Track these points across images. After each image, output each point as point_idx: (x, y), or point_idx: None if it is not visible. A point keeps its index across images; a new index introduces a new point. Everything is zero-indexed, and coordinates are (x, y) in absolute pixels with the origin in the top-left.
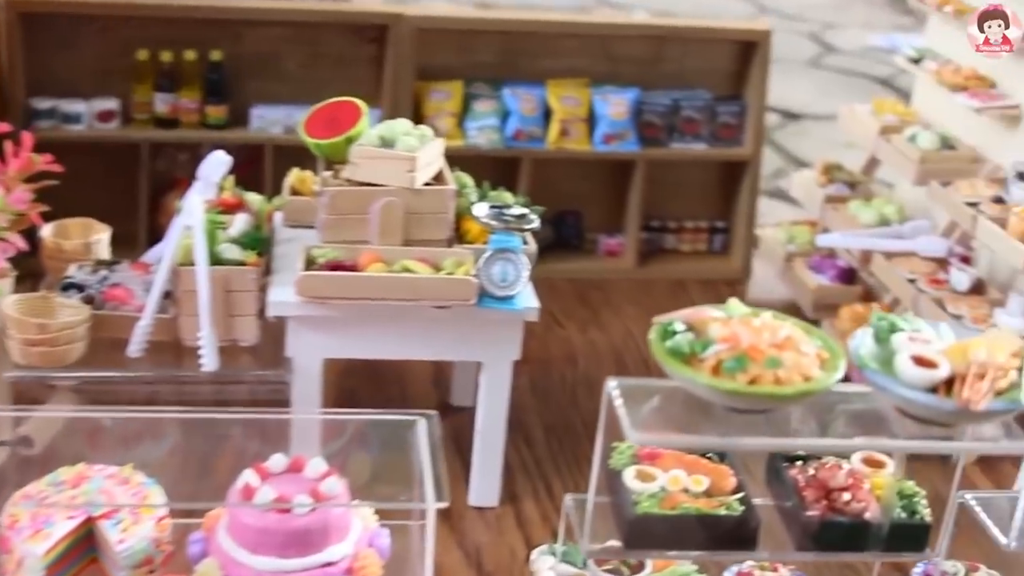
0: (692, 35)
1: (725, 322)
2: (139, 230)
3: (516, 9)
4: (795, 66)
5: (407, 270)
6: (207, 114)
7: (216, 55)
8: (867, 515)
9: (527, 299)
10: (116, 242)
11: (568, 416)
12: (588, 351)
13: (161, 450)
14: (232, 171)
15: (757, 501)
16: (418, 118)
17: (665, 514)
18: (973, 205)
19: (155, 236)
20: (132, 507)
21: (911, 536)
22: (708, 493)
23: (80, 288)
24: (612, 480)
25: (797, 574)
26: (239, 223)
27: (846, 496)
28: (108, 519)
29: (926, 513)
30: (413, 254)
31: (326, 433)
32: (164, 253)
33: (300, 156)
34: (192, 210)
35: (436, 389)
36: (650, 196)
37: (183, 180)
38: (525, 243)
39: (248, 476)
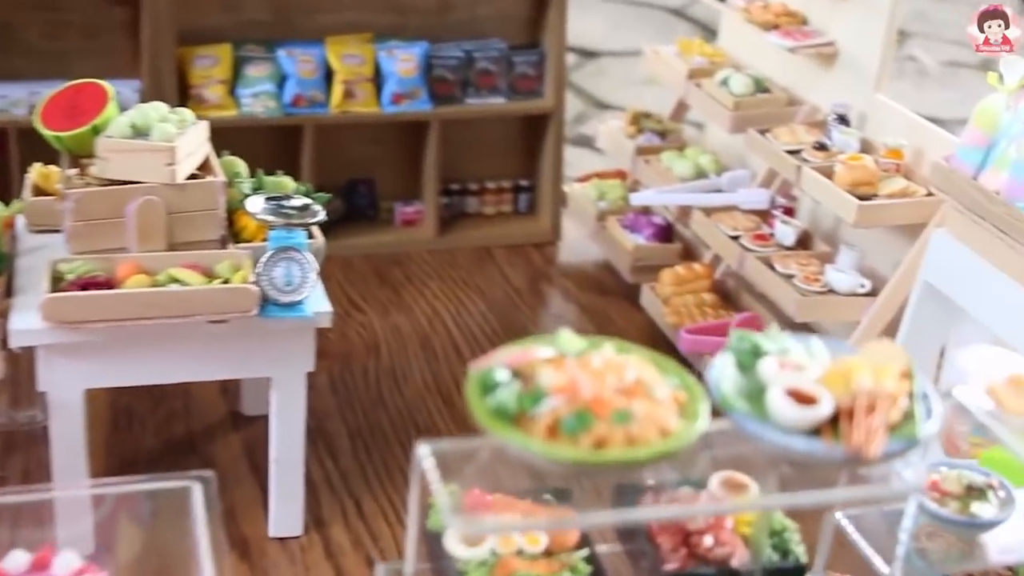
0: None
1: (557, 364)
2: None
3: None
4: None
5: (175, 281)
6: None
7: None
8: (734, 562)
9: (317, 302)
10: None
11: (375, 416)
12: (392, 338)
13: None
14: None
15: (605, 549)
16: (184, 89)
17: None
18: (795, 153)
19: None
20: None
21: None
22: (548, 552)
23: None
24: (432, 545)
25: None
26: None
27: (708, 540)
28: None
29: (800, 551)
30: (180, 260)
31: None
32: None
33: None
34: None
35: (224, 398)
36: (447, 157)
37: None
38: (311, 237)
39: None
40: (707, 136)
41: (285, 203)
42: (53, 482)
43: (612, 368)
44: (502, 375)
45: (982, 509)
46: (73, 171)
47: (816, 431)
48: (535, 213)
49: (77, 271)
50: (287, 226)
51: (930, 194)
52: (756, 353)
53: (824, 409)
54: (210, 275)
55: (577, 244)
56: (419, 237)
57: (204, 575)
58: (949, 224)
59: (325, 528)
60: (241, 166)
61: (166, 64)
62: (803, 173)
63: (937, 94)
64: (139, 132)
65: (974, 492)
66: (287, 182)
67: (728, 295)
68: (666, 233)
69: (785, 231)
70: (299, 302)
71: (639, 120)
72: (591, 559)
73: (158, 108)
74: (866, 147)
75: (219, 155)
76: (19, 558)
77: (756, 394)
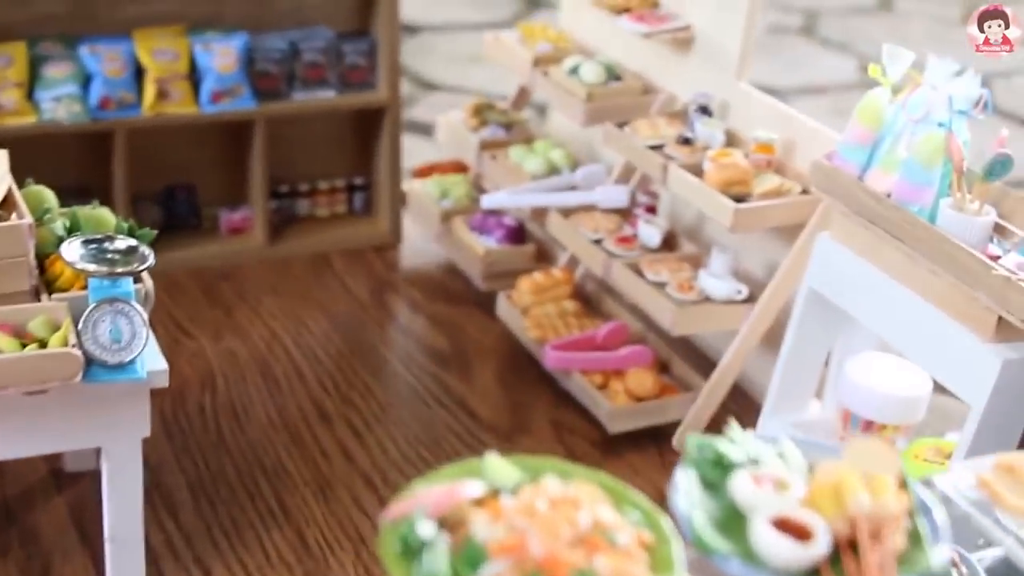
0: None
1: (492, 507)
2: None
3: None
4: None
5: None
6: None
7: None
8: None
9: (152, 359)
10: None
11: (216, 461)
12: (228, 366)
13: None
14: None
15: None
16: None
17: None
18: (657, 148)
19: None
20: None
21: None
22: None
23: None
24: None
25: None
26: None
27: None
28: None
29: None
30: None
31: None
32: None
33: None
34: None
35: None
36: (274, 157)
37: None
38: (137, 281)
39: None
40: (551, 125)
41: (107, 246)
42: None
43: (562, 508)
44: (425, 529)
45: None
46: None
47: (814, 571)
48: (372, 214)
49: None
50: (112, 276)
51: (805, 191)
52: (722, 465)
53: (822, 544)
54: (22, 335)
55: (419, 246)
56: (248, 246)
57: None
58: (834, 228)
59: None
60: (50, 198)
61: None
62: (670, 172)
63: (767, 65)
64: None
65: None
66: (106, 216)
67: (589, 300)
68: (518, 234)
69: (650, 232)
70: (130, 362)
71: (482, 112)
72: None
73: None
74: (732, 140)
75: (21, 184)
76: None
77: (734, 524)
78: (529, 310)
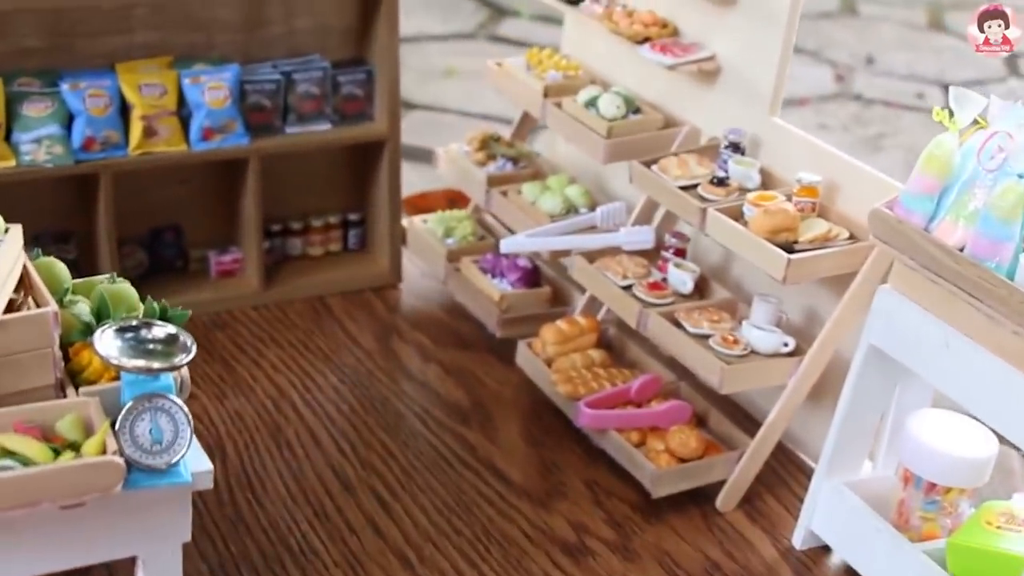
0: None
1: None
2: None
3: None
4: None
5: (8, 455)
6: None
7: None
8: None
9: (194, 458)
10: None
11: (238, 543)
12: (236, 430)
13: None
14: None
15: None
16: None
17: None
18: (688, 189)
19: None
20: None
21: None
22: None
23: None
24: None
25: None
26: None
27: None
28: None
29: None
30: (10, 420)
31: None
32: None
33: None
34: None
35: None
36: (265, 193)
37: None
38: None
39: None
40: (555, 155)
41: (144, 335)
42: None
43: None
44: None
45: None
46: None
47: None
48: (368, 251)
49: None
50: (151, 372)
51: (852, 237)
52: None
53: None
54: (50, 437)
55: (420, 285)
56: (241, 292)
57: None
58: (896, 281)
59: None
60: (62, 272)
61: None
62: (709, 217)
63: None
64: None
65: None
66: (128, 292)
67: (611, 347)
68: (533, 277)
69: (681, 277)
70: (173, 464)
71: (488, 144)
72: None
73: None
74: (767, 180)
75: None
76: None
77: None
78: (554, 361)
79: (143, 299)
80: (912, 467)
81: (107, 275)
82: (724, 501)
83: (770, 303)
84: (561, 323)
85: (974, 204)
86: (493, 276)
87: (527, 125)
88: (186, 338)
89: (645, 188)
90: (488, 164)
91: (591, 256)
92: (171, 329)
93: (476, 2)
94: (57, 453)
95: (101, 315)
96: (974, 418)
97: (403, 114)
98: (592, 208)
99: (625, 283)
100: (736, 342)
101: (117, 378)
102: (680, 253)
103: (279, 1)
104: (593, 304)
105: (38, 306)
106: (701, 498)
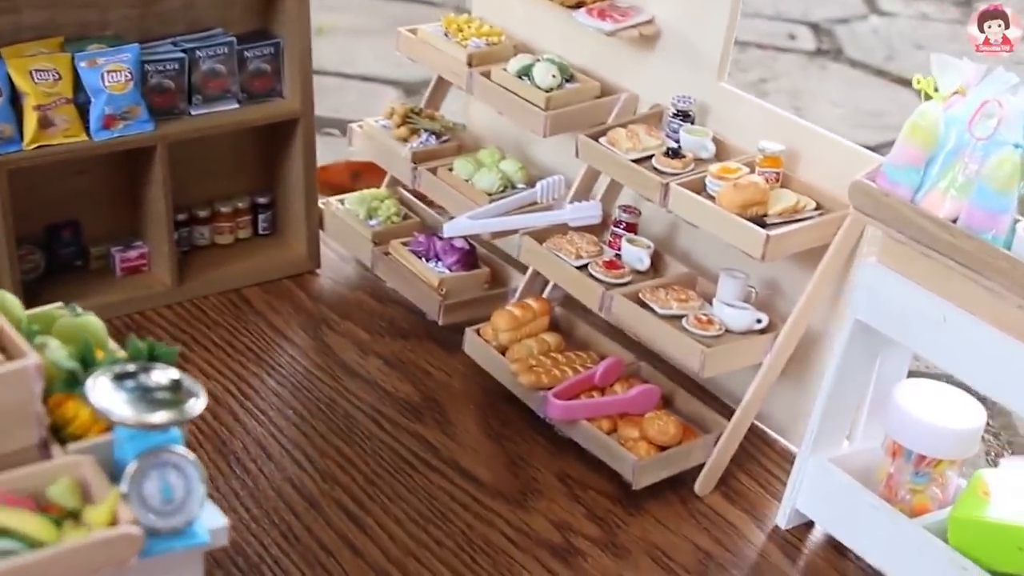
0: None
1: None
2: None
3: None
4: None
5: (4, 535)
6: None
7: None
8: None
9: (210, 517)
10: None
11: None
12: None
13: None
14: None
15: None
16: None
17: None
18: (640, 162)
19: None
20: None
21: None
22: None
23: None
24: None
25: None
26: None
27: None
28: None
29: None
30: None
31: None
32: None
33: None
34: None
35: None
36: (170, 182)
37: None
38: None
39: None
40: (473, 125)
41: (144, 381)
42: None
43: None
44: None
45: None
46: None
47: None
48: (282, 236)
49: None
50: (159, 426)
51: (819, 207)
52: None
53: None
54: (44, 506)
55: (339, 270)
56: (151, 290)
57: None
58: (884, 255)
59: None
60: (14, 306)
61: None
62: (673, 192)
63: None
64: None
65: None
66: (95, 324)
67: (559, 326)
68: (471, 259)
69: (636, 254)
70: (187, 524)
71: (408, 119)
72: None
73: None
74: (721, 149)
75: None
76: None
77: None
78: (510, 349)
79: (31, 305)
80: (901, 440)
81: (59, 304)
82: (703, 485)
83: (738, 278)
84: (513, 308)
85: (965, 174)
86: (427, 259)
87: (440, 94)
88: (191, 384)
89: (595, 163)
90: (412, 140)
91: (539, 236)
92: (172, 373)
93: None
94: (58, 524)
95: (86, 362)
96: (963, 388)
97: None
98: (531, 184)
99: (579, 263)
100: (711, 322)
101: (107, 430)
102: (631, 228)
103: None
104: (534, 283)
105: (8, 356)
106: (677, 483)
